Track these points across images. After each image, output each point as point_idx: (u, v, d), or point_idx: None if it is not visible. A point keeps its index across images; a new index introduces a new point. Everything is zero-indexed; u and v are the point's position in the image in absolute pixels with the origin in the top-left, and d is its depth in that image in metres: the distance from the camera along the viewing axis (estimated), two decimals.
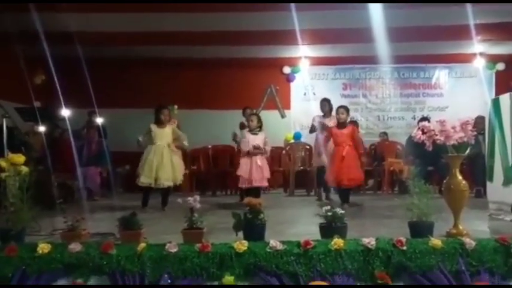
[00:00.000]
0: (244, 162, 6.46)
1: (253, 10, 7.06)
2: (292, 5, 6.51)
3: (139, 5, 6.76)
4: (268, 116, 8.21)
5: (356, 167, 6.52)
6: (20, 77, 7.83)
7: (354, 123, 8.30)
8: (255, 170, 6.39)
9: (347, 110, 6.73)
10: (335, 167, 6.44)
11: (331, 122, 7.14)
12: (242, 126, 7.70)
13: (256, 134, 6.59)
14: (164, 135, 6.41)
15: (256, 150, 6.41)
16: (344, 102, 9.33)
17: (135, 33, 8.02)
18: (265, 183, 6.64)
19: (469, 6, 6.64)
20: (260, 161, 6.45)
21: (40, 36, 7.72)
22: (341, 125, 6.62)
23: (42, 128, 7.34)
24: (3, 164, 3.82)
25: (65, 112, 8.53)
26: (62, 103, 8.77)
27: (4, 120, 5.04)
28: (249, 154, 6.42)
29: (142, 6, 6.82)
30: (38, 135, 7.23)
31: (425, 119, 7.97)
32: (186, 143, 6.63)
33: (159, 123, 6.45)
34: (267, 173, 6.55)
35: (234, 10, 7.06)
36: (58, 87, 8.65)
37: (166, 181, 6.26)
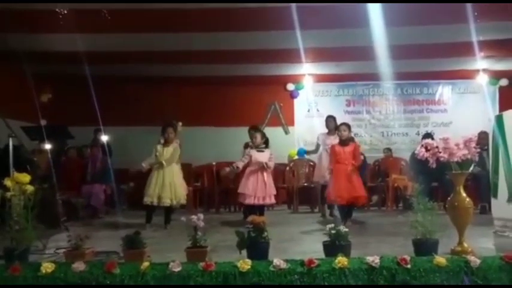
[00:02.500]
0: (249, 178, 6.44)
1: (257, 29, 7.12)
2: (296, 23, 6.51)
3: (145, 26, 6.83)
4: (272, 132, 8.23)
5: (360, 185, 6.50)
6: (26, 95, 7.90)
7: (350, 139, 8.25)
8: (259, 187, 6.39)
9: (349, 127, 6.75)
10: (338, 185, 6.38)
11: (335, 140, 7.14)
12: (246, 146, 7.71)
13: (262, 151, 6.61)
14: (167, 154, 6.48)
15: (259, 165, 6.42)
16: (348, 118, 9.36)
17: (140, 52, 8.09)
18: (269, 201, 6.56)
19: (471, 23, 6.66)
20: (266, 177, 6.44)
21: (46, 55, 7.84)
22: (343, 142, 6.62)
23: (47, 146, 7.38)
24: (9, 183, 3.85)
25: (71, 130, 8.59)
26: (68, 121, 8.87)
27: (10, 139, 5.07)
28: (254, 170, 6.43)
29: (147, 27, 6.90)
30: (44, 153, 7.26)
31: (429, 135, 7.96)
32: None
33: (165, 141, 6.56)
34: (271, 190, 6.51)
35: (238, 29, 7.13)
36: (64, 106, 8.72)
37: (168, 199, 6.37)
